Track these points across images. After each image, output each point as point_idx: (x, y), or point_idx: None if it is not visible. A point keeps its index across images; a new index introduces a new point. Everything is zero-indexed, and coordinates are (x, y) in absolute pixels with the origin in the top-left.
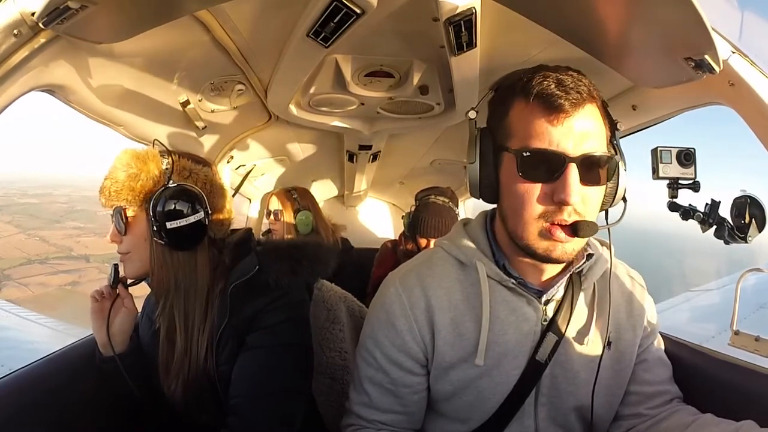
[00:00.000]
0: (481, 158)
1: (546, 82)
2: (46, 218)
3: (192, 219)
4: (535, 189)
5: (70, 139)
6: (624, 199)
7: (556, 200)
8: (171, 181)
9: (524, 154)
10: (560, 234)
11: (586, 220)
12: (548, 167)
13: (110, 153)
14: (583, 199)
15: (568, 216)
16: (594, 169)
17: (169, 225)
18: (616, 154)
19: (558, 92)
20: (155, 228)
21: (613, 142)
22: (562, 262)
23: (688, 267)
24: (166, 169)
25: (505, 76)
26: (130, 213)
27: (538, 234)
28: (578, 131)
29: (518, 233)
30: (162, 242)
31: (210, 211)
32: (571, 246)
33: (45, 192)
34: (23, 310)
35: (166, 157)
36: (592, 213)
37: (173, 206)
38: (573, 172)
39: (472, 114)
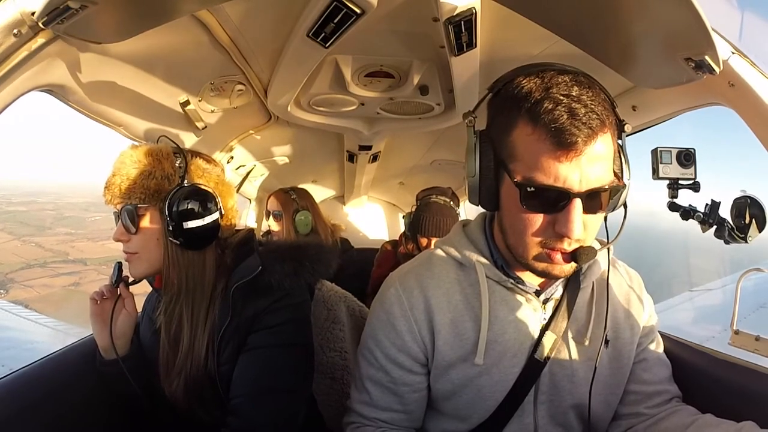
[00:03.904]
0: (482, 172)
1: (557, 112)
2: (36, 225)
3: (208, 220)
4: (537, 219)
5: (50, 146)
6: (624, 205)
7: (557, 231)
8: (185, 181)
9: (528, 189)
10: (559, 258)
11: (586, 246)
12: (552, 201)
13: (95, 158)
14: (584, 226)
15: (568, 246)
16: (597, 199)
17: (186, 225)
18: (621, 159)
19: (570, 128)
20: (170, 228)
21: (618, 142)
22: (561, 278)
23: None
24: (179, 167)
25: (505, 76)
26: (141, 212)
27: (537, 256)
28: (587, 167)
29: (518, 251)
30: (177, 242)
31: (223, 212)
32: (569, 267)
33: (30, 200)
34: (23, 309)
35: (179, 155)
36: (592, 236)
37: (189, 206)
38: (577, 206)
39: (471, 120)
